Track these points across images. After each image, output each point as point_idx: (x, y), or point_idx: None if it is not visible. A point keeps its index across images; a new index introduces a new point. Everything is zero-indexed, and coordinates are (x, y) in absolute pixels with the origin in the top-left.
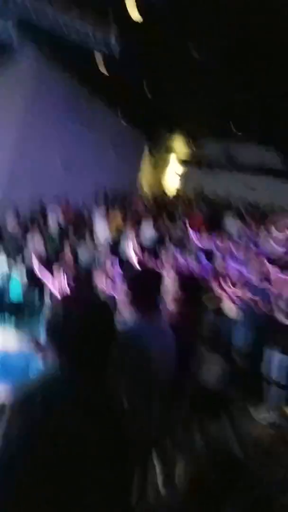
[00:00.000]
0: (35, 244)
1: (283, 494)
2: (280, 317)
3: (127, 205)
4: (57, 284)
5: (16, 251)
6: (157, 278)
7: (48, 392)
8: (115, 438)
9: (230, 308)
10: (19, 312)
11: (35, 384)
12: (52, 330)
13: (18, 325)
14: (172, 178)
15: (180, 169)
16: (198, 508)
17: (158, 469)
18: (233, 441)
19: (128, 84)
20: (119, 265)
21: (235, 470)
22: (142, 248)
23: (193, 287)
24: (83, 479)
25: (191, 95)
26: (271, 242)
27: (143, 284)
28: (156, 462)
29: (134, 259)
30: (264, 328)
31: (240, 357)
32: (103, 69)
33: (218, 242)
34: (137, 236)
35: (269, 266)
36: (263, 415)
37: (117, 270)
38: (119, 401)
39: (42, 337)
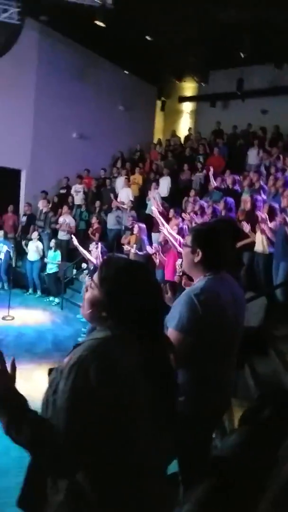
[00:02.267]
0: (65, 218)
1: None
2: None
3: (145, 163)
4: (92, 253)
5: (50, 227)
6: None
7: (103, 356)
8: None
9: (263, 244)
10: (58, 284)
11: (89, 347)
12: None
13: (59, 297)
14: (187, 125)
15: (194, 113)
16: (257, 445)
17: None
18: (283, 374)
19: (129, 35)
20: (145, 222)
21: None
22: (165, 202)
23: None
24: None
25: (191, 28)
26: None
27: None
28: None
29: (158, 216)
30: None
31: (280, 292)
32: (100, 22)
33: (241, 180)
34: (159, 191)
35: None
36: None
37: (144, 231)
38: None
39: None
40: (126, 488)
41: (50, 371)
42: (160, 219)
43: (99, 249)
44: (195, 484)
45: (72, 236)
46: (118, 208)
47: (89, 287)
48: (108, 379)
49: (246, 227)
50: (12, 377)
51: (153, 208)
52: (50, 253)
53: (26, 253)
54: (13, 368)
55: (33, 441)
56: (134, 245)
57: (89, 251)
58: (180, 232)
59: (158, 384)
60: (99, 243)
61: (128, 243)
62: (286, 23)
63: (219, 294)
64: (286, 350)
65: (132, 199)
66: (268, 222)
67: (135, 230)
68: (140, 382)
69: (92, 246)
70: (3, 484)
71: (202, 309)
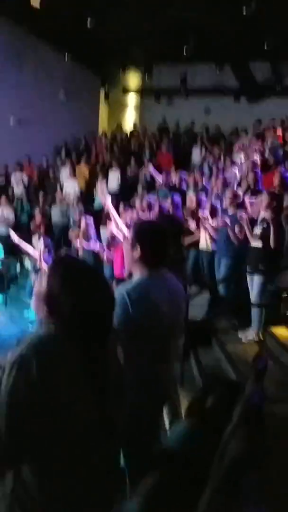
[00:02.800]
0: (3, 209)
1: (273, 403)
2: (253, 240)
3: (91, 155)
4: (36, 248)
5: None
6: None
7: (44, 353)
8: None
9: (207, 242)
10: (0, 281)
11: (31, 343)
12: (48, 298)
13: (1, 294)
14: (132, 117)
15: (139, 106)
16: (202, 436)
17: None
18: (225, 364)
19: (69, 19)
20: (93, 217)
21: (230, 389)
22: (114, 196)
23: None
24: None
25: (137, 21)
26: (233, 167)
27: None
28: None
29: (112, 211)
30: (241, 254)
31: (222, 287)
32: (35, 3)
33: (187, 178)
34: (107, 185)
35: (238, 192)
36: (250, 336)
37: (92, 225)
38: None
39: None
40: (72, 481)
41: None
42: (113, 212)
43: (42, 243)
44: (142, 478)
45: (10, 230)
46: (63, 200)
47: (38, 281)
48: (48, 376)
49: (192, 225)
50: None
51: (108, 198)
52: None
53: None
54: None
55: None
56: (83, 240)
57: (33, 246)
58: (129, 228)
59: (101, 380)
60: (42, 237)
61: (77, 237)
62: (227, 25)
63: (152, 292)
64: (227, 341)
65: (78, 191)
66: (210, 221)
67: (82, 224)
68: (81, 379)
69: (34, 240)
70: None
71: (132, 308)
